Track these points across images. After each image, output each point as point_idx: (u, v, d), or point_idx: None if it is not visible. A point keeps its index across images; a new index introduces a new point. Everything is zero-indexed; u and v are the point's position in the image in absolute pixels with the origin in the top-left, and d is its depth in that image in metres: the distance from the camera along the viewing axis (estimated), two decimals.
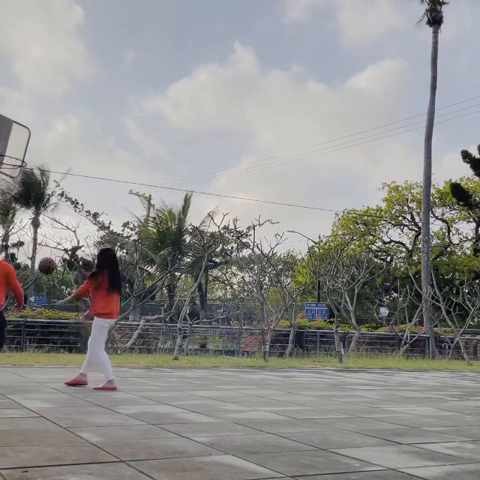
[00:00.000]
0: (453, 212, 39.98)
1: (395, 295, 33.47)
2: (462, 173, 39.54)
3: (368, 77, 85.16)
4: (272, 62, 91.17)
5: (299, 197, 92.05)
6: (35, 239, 32.05)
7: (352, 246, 38.20)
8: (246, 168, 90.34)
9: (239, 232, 23.40)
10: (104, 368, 7.63)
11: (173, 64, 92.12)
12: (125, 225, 28.28)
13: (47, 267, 8.92)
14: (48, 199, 38.08)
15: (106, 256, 8.11)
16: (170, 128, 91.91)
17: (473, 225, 39.81)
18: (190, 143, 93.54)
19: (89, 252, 21.15)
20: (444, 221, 40.29)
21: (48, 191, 37.88)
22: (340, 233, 41.24)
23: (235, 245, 27.90)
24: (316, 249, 37.73)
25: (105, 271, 7.74)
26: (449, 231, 40.41)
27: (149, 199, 37.01)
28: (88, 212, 26.19)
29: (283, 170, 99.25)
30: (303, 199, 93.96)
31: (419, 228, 36.86)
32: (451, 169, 79.48)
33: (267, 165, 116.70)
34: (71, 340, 16.84)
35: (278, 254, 26.38)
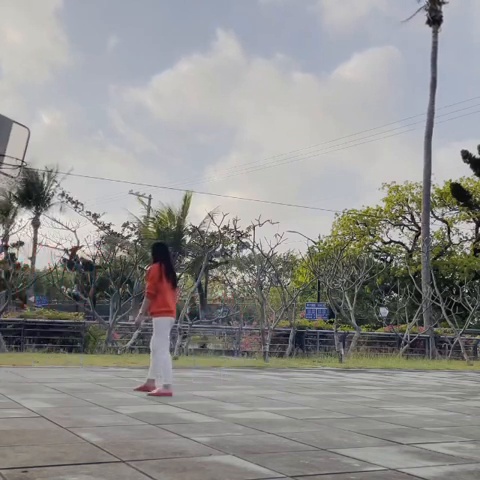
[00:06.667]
0: (453, 212, 39.96)
1: (395, 295, 33.46)
2: (462, 173, 39.51)
3: (355, 66, 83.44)
4: (255, 49, 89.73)
5: (294, 196, 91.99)
6: (35, 239, 32.05)
7: (352, 246, 38.18)
8: (238, 166, 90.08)
9: (239, 232, 23.36)
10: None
11: (156, 53, 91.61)
12: (125, 225, 28.27)
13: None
14: (49, 199, 38.13)
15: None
16: (157, 121, 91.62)
17: (473, 225, 39.78)
18: (179, 137, 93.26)
19: (89, 252, 21.09)
20: (444, 221, 40.27)
21: (49, 191, 37.97)
22: (340, 233, 41.23)
23: (235, 245, 27.89)
24: (316, 249, 37.72)
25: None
26: (449, 231, 40.39)
27: (149, 199, 37.02)
28: (89, 212, 26.15)
29: (278, 169, 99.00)
30: (299, 198, 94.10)
31: (419, 228, 36.85)
32: (451, 169, 79.48)
33: (262, 164, 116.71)
34: (71, 340, 16.83)
35: (278, 254, 26.31)
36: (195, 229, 26.13)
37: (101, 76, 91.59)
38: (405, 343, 20.82)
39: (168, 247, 8.22)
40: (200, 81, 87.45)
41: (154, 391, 7.06)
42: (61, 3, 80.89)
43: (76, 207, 26.14)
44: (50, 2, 79.69)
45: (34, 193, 37.20)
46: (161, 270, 7.31)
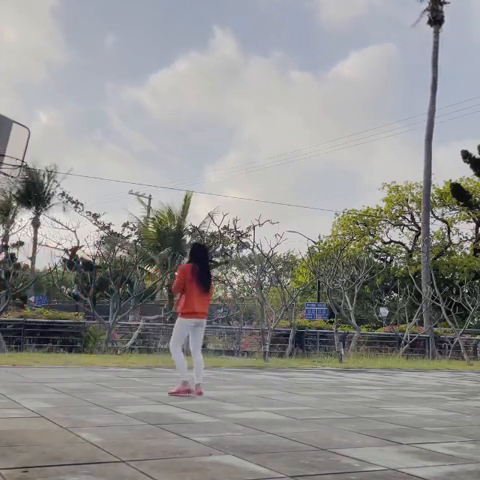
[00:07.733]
0: (453, 212, 39.97)
1: (395, 295, 33.45)
2: (462, 173, 39.50)
3: (353, 65, 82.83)
4: (253, 47, 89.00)
5: (294, 196, 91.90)
6: (35, 239, 32.07)
7: (352, 246, 38.18)
8: (237, 165, 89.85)
9: (239, 232, 23.38)
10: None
11: (154, 52, 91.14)
12: (125, 225, 28.31)
13: None
14: (49, 199, 38.14)
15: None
16: (155, 120, 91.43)
17: (473, 225, 39.79)
18: (178, 137, 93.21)
19: (89, 252, 21.13)
20: (444, 221, 40.27)
21: (49, 191, 37.97)
22: (340, 233, 41.24)
23: (235, 245, 27.90)
24: (316, 249, 37.73)
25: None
26: (449, 231, 40.39)
27: (149, 199, 37.01)
28: (89, 212, 26.20)
29: (278, 168, 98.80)
30: (298, 198, 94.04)
31: (419, 228, 36.85)
32: (451, 169, 79.43)
33: (261, 163, 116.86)
34: (71, 340, 16.83)
35: (278, 254, 26.31)
36: (195, 229, 26.14)
37: (98, 75, 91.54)
38: (405, 343, 20.82)
39: (205, 249, 8.03)
40: (198, 80, 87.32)
41: (173, 390, 7.09)
42: (57, 1, 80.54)
43: (76, 207, 26.21)
44: (46, 0, 79.36)
45: (34, 193, 37.20)
46: (193, 271, 7.17)
